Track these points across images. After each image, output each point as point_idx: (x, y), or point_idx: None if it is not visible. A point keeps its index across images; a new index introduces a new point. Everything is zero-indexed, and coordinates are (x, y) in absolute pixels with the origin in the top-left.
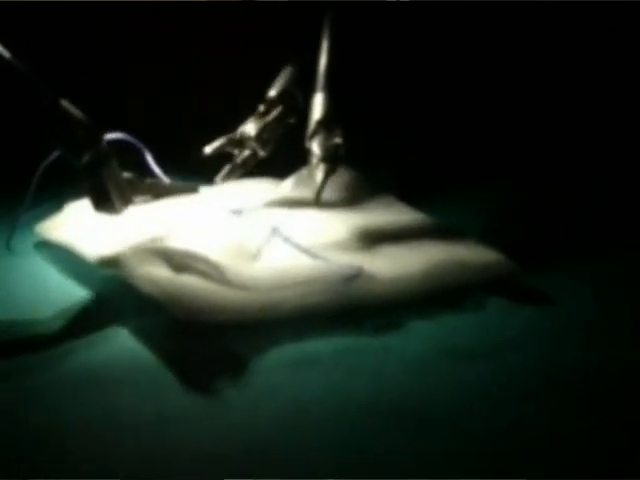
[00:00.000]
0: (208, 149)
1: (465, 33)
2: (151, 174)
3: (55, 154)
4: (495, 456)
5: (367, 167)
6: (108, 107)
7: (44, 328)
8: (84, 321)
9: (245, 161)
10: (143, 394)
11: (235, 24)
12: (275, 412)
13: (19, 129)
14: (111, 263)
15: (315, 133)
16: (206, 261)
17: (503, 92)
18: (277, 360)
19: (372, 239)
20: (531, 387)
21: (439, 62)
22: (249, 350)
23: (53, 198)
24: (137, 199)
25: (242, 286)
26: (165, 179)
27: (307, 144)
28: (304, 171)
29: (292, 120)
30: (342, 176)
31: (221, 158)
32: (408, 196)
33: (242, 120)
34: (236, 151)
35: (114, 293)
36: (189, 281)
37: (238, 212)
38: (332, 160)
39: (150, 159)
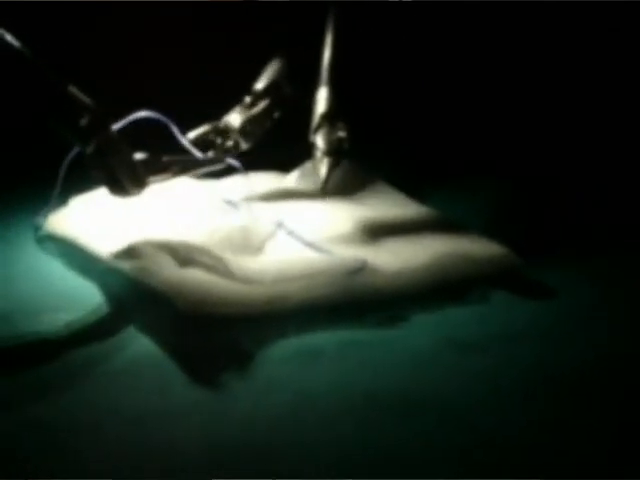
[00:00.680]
0: (191, 135)
1: (470, 32)
2: (181, 148)
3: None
4: (500, 450)
5: (369, 161)
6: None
7: (48, 322)
8: (89, 315)
9: (226, 152)
10: (149, 387)
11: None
12: (280, 405)
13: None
14: (116, 257)
15: (319, 127)
16: (211, 255)
17: (505, 90)
18: (282, 353)
19: (376, 232)
20: (535, 380)
21: (442, 59)
22: (254, 343)
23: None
24: (154, 179)
25: (247, 279)
26: (194, 152)
27: (311, 138)
28: (308, 165)
29: (278, 114)
30: (346, 169)
31: (204, 146)
32: (411, 190)
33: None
34: (219, 140)
35: (119, 287)
36: (194, 274)
37: (233, 204)
38: (336, 154)
39: (178, 133)
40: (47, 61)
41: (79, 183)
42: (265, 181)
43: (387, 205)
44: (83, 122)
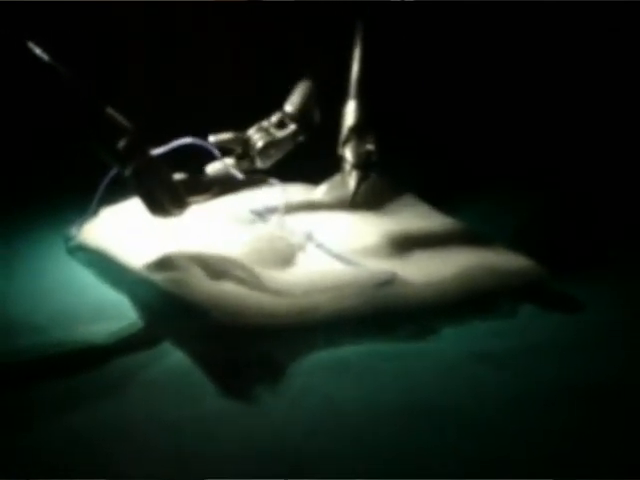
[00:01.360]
0: (213, 138)
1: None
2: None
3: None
4: (526, 461)
5: (397, 174)
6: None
7: (82, 334)
8: (122, 326)
9: (240, 166)
10: (182, 397)
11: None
12: (310, 415)
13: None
14: (149, 268)
15: (347, 140)
16: (242, 267)
17: (532, 101)
18: (311, 364)
19: (404, 244)
20: (558, 393)
21: (461, 66)
22: (285, 354)
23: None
24: (194, 199)
25: (277, 292)
26: (237, 175)
27: (340, 151)
28: (337, 177)
29: (303, 138)
30: (374, 182)
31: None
32: (438, 202)
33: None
34: (238, 150)
35: (151, 298)
36: (226, 286)
37: (264, 216)
38: (365, 167)
39: (221, 158)
40: (83, 79)
41: (111, 193)
42: (295, 194)
43: (415, 217)
44: (121, 145)
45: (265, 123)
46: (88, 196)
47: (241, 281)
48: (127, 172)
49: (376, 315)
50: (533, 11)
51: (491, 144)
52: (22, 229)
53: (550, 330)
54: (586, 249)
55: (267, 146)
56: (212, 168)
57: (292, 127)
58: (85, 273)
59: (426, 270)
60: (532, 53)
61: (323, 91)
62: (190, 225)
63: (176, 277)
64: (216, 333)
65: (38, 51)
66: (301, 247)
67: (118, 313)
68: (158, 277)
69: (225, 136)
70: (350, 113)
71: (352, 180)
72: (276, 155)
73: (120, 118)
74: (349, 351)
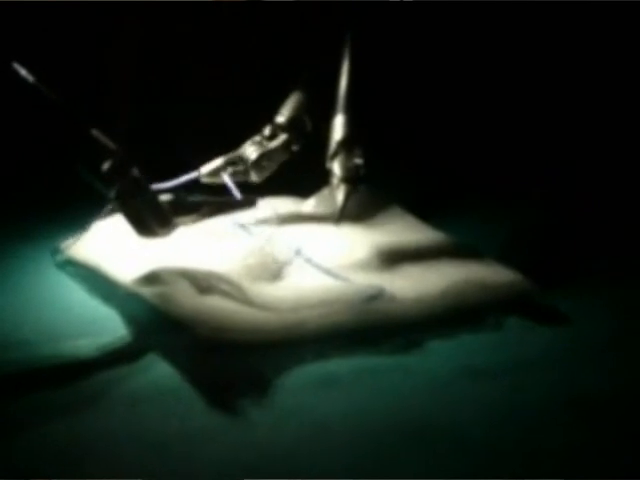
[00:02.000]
0: (205, 169)
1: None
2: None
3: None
4: (517, 476)
5: (386, 187)
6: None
7: (69, 346)
8: (109, 340)
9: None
10: (168, 412)
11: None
12: (297, 431)
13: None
14: (136, 282)
15: (336, 154)
16: (229, 281)
17: (519, 109)
18: (299, 379)
19: (392, 258)
20: (551, 407)
21: (448, 78)
22: (272, 369)
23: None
24: (181, 220)
25: (265, 306)
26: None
27: (328, 165)
28: (325, 191)
29: (296, 148)
30: (362, 196)
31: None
32: (427, 216)
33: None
34: (230, 169)
35: (139, 312)
36: (213, 301)
37: (251, 230)
38: (353, 181)
39: (234, 187)
40: (68, 100)
41: (99, 209)
42: (282, 208)
43: (403, 231)
44: (105, 166)
45: (257, 137)
46: (77, 211)
47: (229, 296)
48: (112, 194)
49: (365, 330)
50: (522, 23)
51: (479, 157)
52: (10, 243)
53: (540, 344)
54: (575, 262)
55: (260, 159)
56: (206, 169)
57: (283, 137)
58: (73, 287)
59: (415, 284)
60: (518, 65)
61: (314, 100)
62: (178, 240)
63: (164, 292)
64: (203, 348)
65: (23, 72)
66: (289, 261)
67: (105, 327)
68: (146, 292)
69: (215, 164)
70: (338, 127)
71: (340, 194)
72: (270, 167)
73: (105, 139)
74: (337, 366)
